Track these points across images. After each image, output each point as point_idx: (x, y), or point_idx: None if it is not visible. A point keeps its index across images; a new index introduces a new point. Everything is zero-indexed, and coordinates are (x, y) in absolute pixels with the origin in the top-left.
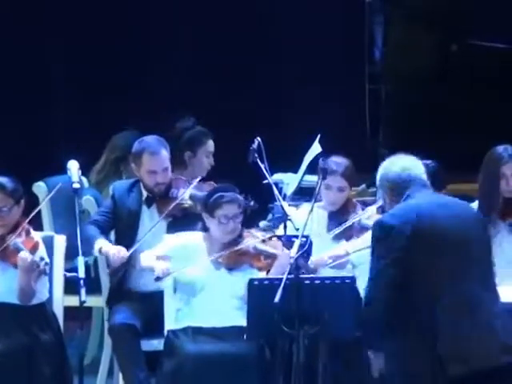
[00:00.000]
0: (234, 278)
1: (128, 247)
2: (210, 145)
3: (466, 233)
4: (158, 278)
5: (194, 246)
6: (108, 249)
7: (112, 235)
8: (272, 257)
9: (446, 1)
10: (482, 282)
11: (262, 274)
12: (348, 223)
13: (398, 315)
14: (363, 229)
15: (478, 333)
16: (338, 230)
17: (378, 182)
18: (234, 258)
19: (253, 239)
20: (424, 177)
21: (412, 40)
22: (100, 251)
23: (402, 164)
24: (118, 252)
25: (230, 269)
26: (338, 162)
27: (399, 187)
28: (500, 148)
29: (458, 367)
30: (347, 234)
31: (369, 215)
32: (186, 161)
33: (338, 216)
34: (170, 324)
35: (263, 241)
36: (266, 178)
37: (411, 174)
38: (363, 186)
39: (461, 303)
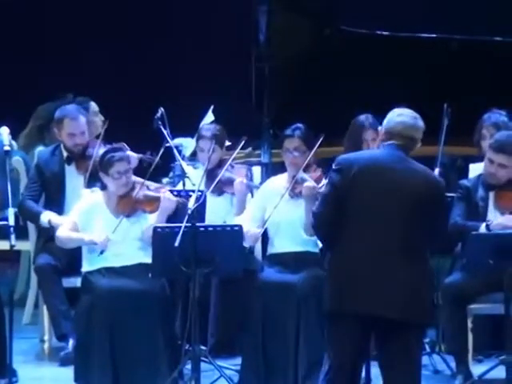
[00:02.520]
0: (132, 223)
1: (57, 207)
2: (94, 105)
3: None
4: (102, 252)
5: (95, 205)
6: (57, 221)
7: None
8: (157, 200)
9: None
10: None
11: (155, 216)
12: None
13: (332, 232)
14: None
15: (379, 280)
16: (212, 186)
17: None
18: (128, 206)
19: (142, 189)
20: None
21: (291, 26)
22: (50, 223)
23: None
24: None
25: (128, 216)
26: (207, 127)
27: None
28: (362, 117)
29: (349, 303)
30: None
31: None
32: None
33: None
34: (86, 266)
35: (151, 189)
36: (168, 142)
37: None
38: (250, 148)
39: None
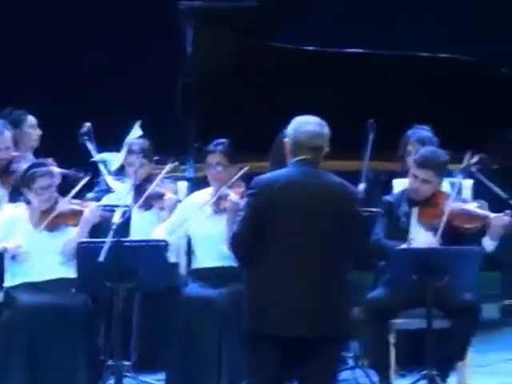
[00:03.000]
0: (53, 237)
1: None
2: (31, 119)
3: (316, 207)
4: (13, 257)
5: (17, 218)
6: None
7: None
8: (80, 213)
9: (241, 12)
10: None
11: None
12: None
13: (249, 253)
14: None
15: (299, 300)
16: (141, 200)
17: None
18: (51, 220)
19: (65, 203)
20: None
21: (217, 41)
22: None
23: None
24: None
25: (50, 230)
26: (135, 142)
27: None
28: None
29: (269, 326)
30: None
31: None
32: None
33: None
34: (8, 281)
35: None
36: (93, 157)
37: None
38: (176, 163)
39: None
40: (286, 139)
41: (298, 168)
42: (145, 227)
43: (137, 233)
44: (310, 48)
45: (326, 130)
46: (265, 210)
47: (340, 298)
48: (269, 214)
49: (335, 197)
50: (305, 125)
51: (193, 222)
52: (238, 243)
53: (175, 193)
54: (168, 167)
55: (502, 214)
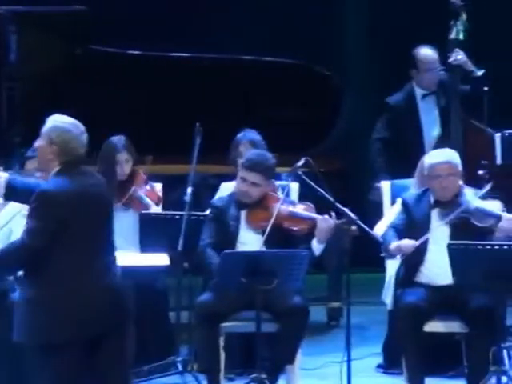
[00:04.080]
0: None
1: None
2: None
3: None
4: None
5: None
6: None
7: None
8: None
9: (69, 17)
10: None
11: None
12: None
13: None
14: None
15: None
16: None
17: None
18: None
19: None
20: None
21: (41, 45)
22: None
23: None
24: None
25: None
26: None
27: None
28: (114, 138)
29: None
30: None
31: None
32: None
33: None
34: None
35: None
36: None
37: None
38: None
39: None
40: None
41: (78, 171)
42: None
43: None
44: (137, 52)
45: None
46: (56, 219)
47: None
48: (61, 223)
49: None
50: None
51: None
52: (28, 253)
53: None
54: None
55: (327, 217)
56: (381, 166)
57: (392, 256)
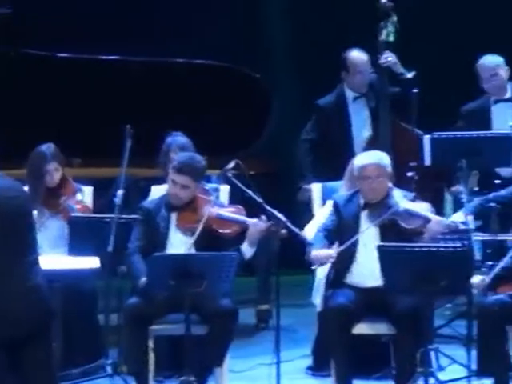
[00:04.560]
0: None
1: None
2: None
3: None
4: None
5: None
6: None
7: None
8: None
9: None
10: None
11: None
12: None
13: None
14: None
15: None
16: None
17: None
18: None
19: None
20: None
21: None
22: None
23: None
24: None
25: None
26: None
27: None
28: (43, 147)
29: None
30: None
31: None
32: None
33: None
34: None
35: None
36: None
37: None
38: None
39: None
40: None
41: None
42: None
43: None
44: (66, 55)
45: None
46: None
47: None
48: None
49: (16, 197)
50: None
51: None
52: None
53: None
54: None
55: (257, 220)
56: (308, 166)
57: (312, 264)
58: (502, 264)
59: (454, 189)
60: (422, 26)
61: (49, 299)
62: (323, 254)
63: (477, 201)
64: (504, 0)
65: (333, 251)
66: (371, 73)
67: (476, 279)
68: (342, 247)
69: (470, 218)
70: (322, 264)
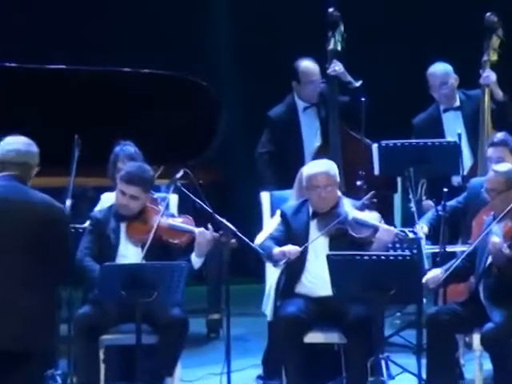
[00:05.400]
0: None
1: None
2: None
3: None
4: None
5: None
6: None
7: None
8: None
9: None
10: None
11: None
12: None
13: None
14: None
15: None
16: None
17: None
18: None
19: None
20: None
21: None
22: None
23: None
24: None
25: None
26: None
27: None
28: None
29: None
30: None
31: None
32: None
33: None
34: None
35: None
36: None
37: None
38: None
39: None
40: None
41: (2, 183)
42: None
43: None
44: (13, 65)
45: (35, 148)
46: None
47: (44, 313)
48: None
49: (37, 213)
50: (11, 144)
51: None
52: None
53: None
54: None
55: (206, 230)
56: (269, 179)
57: (276, 262)
58: (458, 261)
59: (424, 203)
60: (370, 34)
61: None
62: (291, 250)
63: (433, 212)
64: (451, 8)
65: (299, 248)
66: (322, 83)
67: (432, 273)
68: (301, 248)
69: (419, 227)
70: (287, 260)
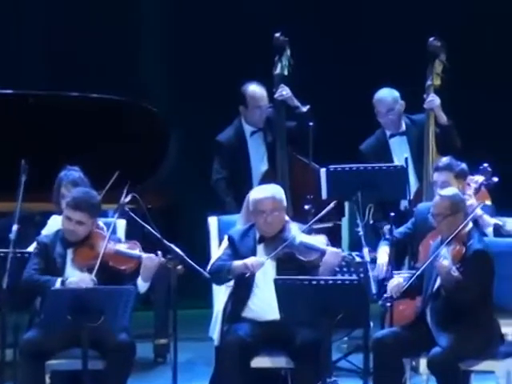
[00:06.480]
0: None
1: None
2: None
3: None
4: None
5: None
6: None
7: None
8: None
9: None
10: None
11: None
12: None
13: None
14: None
15: None
16: None
17: None
18: None
19: None
20: None
21: None
22: None
23: None
24: None
25: None
26: None
27: None
28: None
29: None
30: None
31: None
32: None
33: None
34: None
35: None
36: None
37: None
38: None
39: None
40: None
41: None
42: None
43: None
44: None
45: None
46: None
47: None
48: None
49: None
50: None
51: None
52: None
53: None
54: None
55: (152, 255)
56: (231, 204)
57: (237, 276)
58: (418, 272)
59: (385, 228)
60: (316, 58)
61: None
62: (254, 262)
63: (386, 238)
64: (396, 32)
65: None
66: (269, 107)
67: (395, 281)
68: (270, 256)
69: (366, 250)
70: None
